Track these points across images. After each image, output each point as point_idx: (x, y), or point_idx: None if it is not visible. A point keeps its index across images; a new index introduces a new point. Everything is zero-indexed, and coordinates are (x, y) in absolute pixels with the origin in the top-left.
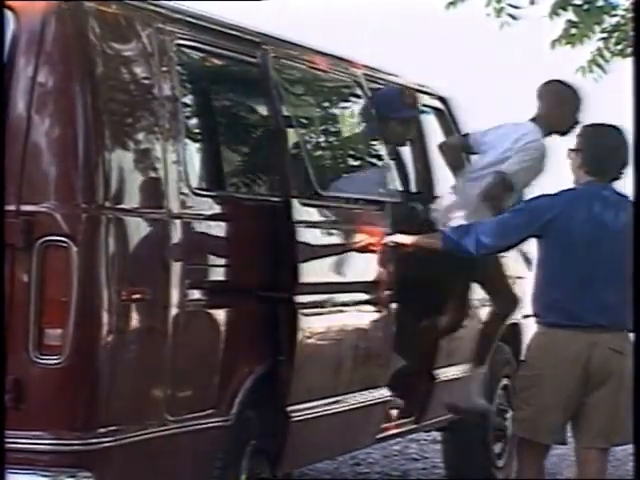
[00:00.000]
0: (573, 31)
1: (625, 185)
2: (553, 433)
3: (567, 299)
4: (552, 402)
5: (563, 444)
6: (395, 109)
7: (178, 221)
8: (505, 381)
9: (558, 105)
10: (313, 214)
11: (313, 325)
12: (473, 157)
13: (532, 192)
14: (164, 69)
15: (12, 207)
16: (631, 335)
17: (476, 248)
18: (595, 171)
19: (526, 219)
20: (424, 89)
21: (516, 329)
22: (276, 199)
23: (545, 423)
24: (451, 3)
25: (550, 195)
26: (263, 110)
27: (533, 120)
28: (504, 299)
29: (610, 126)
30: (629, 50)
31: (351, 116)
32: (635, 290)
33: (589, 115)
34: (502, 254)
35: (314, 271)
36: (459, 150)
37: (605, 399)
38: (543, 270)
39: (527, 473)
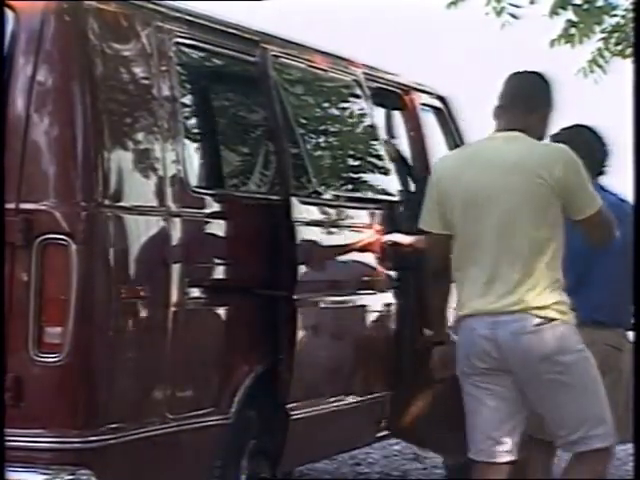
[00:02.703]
0: (573, 31)
1: (625, 185)
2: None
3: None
4: None
5: None
6: None
7: (177, 219)
8: None
9: None
10: (313, 213)
11: (313, 323)
12: None
13: None
14: (163, 68)
15: (12, 205)
16: (630, 333)
17: None
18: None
19: None
20: (424, 88)
21: None
22: (275, 198)
23: (541, 419)
24: (452, 2)
25: None
26: (262, 109)
27: None
28: None
29: (581, 125)
30: (629, 50)
31: (351, 115)
32: (635, 290)
33: (589, 115)
34: None
35: (313, 270)
36: None
37: None
38: None
39: (532, 473)
